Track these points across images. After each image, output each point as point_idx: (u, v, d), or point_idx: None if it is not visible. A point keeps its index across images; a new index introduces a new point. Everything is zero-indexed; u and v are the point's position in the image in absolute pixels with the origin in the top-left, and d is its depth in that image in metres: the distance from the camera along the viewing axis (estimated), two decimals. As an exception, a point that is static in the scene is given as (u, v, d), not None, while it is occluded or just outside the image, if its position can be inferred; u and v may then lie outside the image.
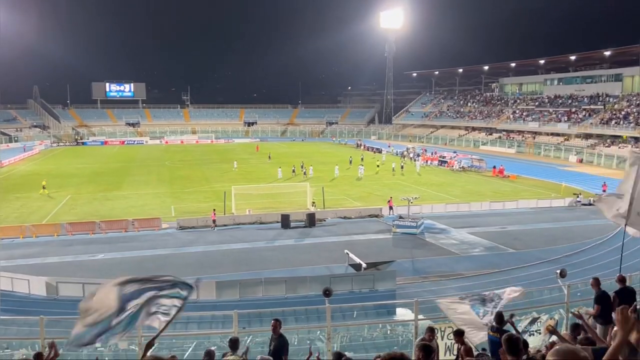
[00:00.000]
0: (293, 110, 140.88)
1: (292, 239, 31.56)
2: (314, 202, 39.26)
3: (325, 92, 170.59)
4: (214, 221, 34.04)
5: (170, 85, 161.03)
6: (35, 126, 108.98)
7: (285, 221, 34.00)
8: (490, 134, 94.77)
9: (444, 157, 68.93)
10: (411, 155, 72.96)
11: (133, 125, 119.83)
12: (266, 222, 35.26)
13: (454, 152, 74.79)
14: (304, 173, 56.72)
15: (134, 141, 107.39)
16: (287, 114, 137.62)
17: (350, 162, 66.55)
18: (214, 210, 34.73)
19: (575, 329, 9.30)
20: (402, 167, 62.08)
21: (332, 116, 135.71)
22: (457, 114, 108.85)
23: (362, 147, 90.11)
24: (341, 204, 41.31)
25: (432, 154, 72.96)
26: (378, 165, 61.23)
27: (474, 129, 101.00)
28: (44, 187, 45.92)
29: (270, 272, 24.81)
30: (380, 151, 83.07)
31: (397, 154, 77.33)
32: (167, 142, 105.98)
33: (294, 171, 57.35)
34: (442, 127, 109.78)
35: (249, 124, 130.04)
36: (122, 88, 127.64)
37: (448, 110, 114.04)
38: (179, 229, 33.57)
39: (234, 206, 37.54)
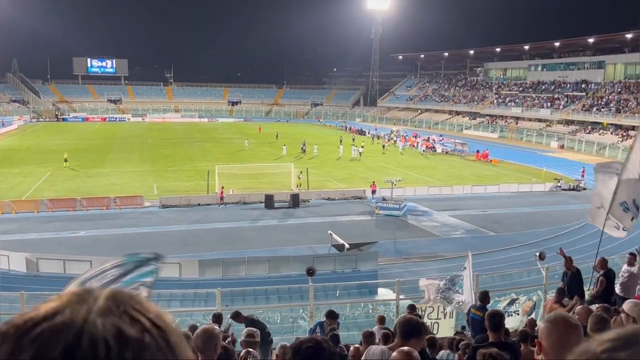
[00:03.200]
0: (278, 90, 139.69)
1: (276, 219, 31.57)
2: (299, 181, 39.30)
3: (311, 73, 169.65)
4: (221, 198, 34.28)
5: (154, 62, 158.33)
6: (15, 101, 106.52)
7: (269, 201, 33.98)
8: (474, 119, 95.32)
9: (429, 140, 69.29)
10: (395, 138, 73.30)
11: (115, 102, 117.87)
12: (250, 202, 35.23)
13: (440, 136, 75.24)
14: (303, 151, 58.58)
15: (116, 118, 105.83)
16: (271, 94, 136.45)
17: (341, 141, 67.68)
18: (222, 187, 34.77)
19: (560, 293, 9.57)
20: (383, 147, 65.02)
21: (317, 97, 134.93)
22: (442, 98, 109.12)
23: (349, 130, 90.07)
24: (325, 185, 41.36)
25: (415, 137, 73.21)
26: (363, 146, 61.65)
27: (458, 113, 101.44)
28: (65, 160, 46.64)
29: (253, 251, 24.85)
30: (363, 133, 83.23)
31: (381, 136, 77.67)
32: (147, 120, 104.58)
33: (303, 150, 58.85)
34: (427, 110, 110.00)
35: (233, 104, 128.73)
36: (104, 64, 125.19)
37: (433, 94, 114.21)
38: (162, 207, 33.39)
39: (217, 186, 37.39)
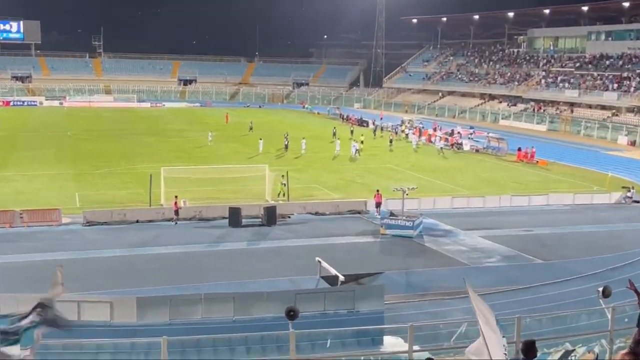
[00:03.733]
0: (247, 65, 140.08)
1: (244, 242, 31.55)
2: (282, 189, 39.57)
3: (293, 42, 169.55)
4: (176, 212, 34.26)
5: (76, 26, 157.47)
6: None
7: (234, 217, 33.95)
8: (514, 105, 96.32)
9: (451, 133, 69.81)
10: (407, 131, 73.81)
11: (22, 79, 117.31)
12: (209, 217, 35.19)
13: (472, 129, 75.80)
14: (286, 147, 59.94)
15: (23, 102, 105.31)
16: (239, 69, 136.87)
17: (334, 134, 68.60)
18: (176, 197, 34.74)
19: (637, 344, 9.55)
20: (390, 142, 66.00)
21: (302, 75, 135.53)
22: (471, 77, 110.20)
23: (345, 120, 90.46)
24: (312, 194, 41.46)
25: (435, 129, 73.72)
26: (362, 141, 62.05)
27: (492, 97, 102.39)
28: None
29: (213, 285, 24.76)
30: (365, 124, 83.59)
31: (386, 128, 78.19)
32: (67, 105, 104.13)
33: (286, 146, 60.16)
34: (450, 93, 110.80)
35: (186, 83, 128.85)
36: (6, 27, 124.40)
37: (458, 71, 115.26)
38: (86, 225, 33.23)
39: (163, 196, 37.27)
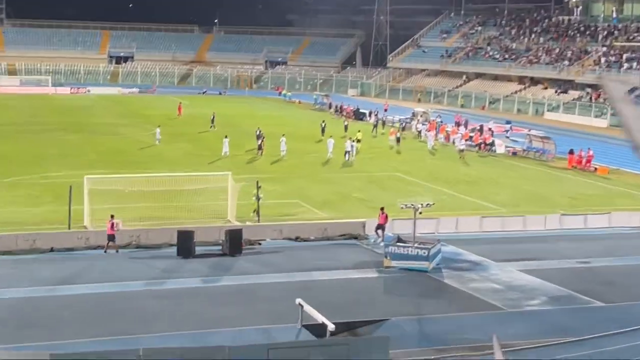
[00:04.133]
0: (204, 37, 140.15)
1: (199, 278, 31.32)
2: (255, 205, 39.62)
3: (265, 5, 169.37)
4: (111, 237, 33.89)
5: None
6: None
7: (185, 244, 33.72)
8: (564, 92, 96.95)
9: (479, 130, 70.06)
10: (419, 126, 73.97)
11: None
12: (150, 244, 35.02)
13: (509, 124, 76.00)
14: (260, 149, 60.01)
15: None
16: (191, 43, 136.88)
17: (323, 130, 69.44)
18: (112, 216, 34.39)
19: None
20: (398, 140, 66.79)
21: (277, 51, 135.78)
22: (507, 54, 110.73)
23: (338, 111, 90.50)
24: (292, 212, 41.43)
25: (458, 125, 73.95)
26: (358, 139, 62.13)
27: (535, 81, 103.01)
28: None
29: (155, 338, 24.55)
30: (361, 117, 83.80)
31: (388, 123, 78.37)
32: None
33: (260, 147, 60.06)
34: (479, 76, 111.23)
35: (119, 60, 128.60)
36: None
37: (489, 46, 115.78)
38: (-18, 255, 32.84)
39: (86, 215, 36.98)
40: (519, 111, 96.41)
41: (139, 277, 31.21)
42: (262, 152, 59.54)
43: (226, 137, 59.72)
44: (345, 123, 75.63)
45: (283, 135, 60.69)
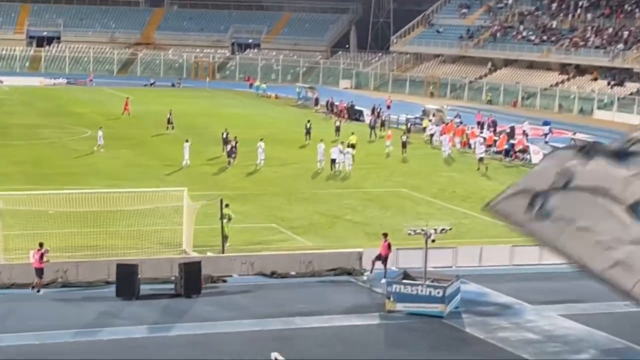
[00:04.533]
0: (151, 12, 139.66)
1: (144, 326, 31.16)
2: (229, 229, 39.64)
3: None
4: (40, 272, 33.66)
5: None
6: None
7: (127, 281, 33.54)
8: (619, 84, 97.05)
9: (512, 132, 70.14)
10: (432, 128, 73.91)
11: None
12: (80, 282, 34.82)
13: (548, 125, 76.07)
14: (230, 156, 59.98)
15: None
16: (135, 20, 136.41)
17: (308, 133, 69.75)
18: (41, 245, 34.14)
19: None
20: (404, 145, 66.39)
21: (247, 30, 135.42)
22: (545, 35, 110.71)
23: (328, 110, 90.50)
24: (266, 240, 41.38)
25: (480, 126, 74.05)
26: (352, 145, 62.10)
27: (581, 70, 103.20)
28: None
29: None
30: (356, 116, 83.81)
31: (384, 123, 78.67)
32: None
33: (231, 154, 60.05)
34: (508, 64, 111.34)
35: (41, 42, 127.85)
36: None
37: (522, 24, 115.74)
38: None
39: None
40: (560, 108, 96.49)
41: (67, 325, 30.91)
42: (232, 161, 59.62)
43: (187, 141, 59.47)
44: (337, 124, 75.34)
45: (261, 139, 60.69)
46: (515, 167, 63.61)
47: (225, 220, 39.84)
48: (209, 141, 64.03)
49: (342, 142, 62.02)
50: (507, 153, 65.97)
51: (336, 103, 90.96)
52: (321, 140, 62.51)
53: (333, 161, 58.47)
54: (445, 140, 68.09)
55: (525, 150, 66.01)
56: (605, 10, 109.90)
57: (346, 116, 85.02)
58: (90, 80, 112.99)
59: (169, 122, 73.67)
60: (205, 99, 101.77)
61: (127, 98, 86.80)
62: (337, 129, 72.76)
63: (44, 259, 33.85)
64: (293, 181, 55.98)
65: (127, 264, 34.30)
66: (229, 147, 60.62)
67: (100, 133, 64.18)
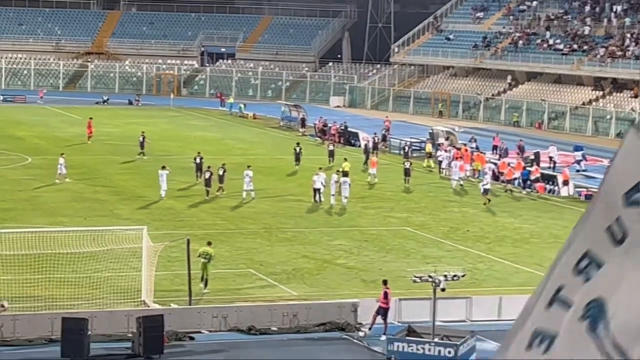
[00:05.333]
0: (104, 15, 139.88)
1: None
2: (204, 271, 39.47)
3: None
4: None
5: None
6: None
7: (75, 339, 33.43)
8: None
9: (532, 160, 70.32)
10: (441, 154, 74.00)
11: None
12: (18, 340, 34.59)
13: (580, 151, 76.29)
14: (207, 183, 60.69)
15: None
16: (86, 25, 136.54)
17: (298, 158, 70.31)
18: None
19: None
20: (407, 173, 66.80)
21: (220, 36, 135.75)
22: (575, 42, 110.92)
23: (317, 133, 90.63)
24: (242, 288, 41.39)
25: (500, 151, 74.28)
26: (343, 170, 62.17)
27: (619, 85, 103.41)
28: None
29: None
30: (352, 140, 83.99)
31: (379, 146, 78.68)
32: None
33: (210, 181, 60.60)
34: (533, 77, 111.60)
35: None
36: None
37: (548, 30, 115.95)
38: None
39: None
40: (595, 131, 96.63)
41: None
42: (211, 191, 60.11)
43: (164, 168, 59.88)
44: (331, 147, 75.57)
45: (249, 167, 61.03)
46: (539, 201, 63.62)
47: (205, 261, 40.13)
48: (173, 170, 63.88)
49: (338, 171, 62.44)
50: (525, 184, 66.19)
51: (329, 124, 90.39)
52: (320, 169, 62.53)
53: (316, 191, 58.74)
54: (456, 166, 68.01)
55: (552, 181, 66.15)
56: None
57: (339, 140, 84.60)
58: (41, 98, 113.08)
59: (141, 146, 73.98)
60: (168, 119, 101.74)
61: (90, 119, 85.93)
62: (331, 154, 73.15)
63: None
64: (273, 218, 55.84)
65: (75, 318, 34.15)
66: (207, 174, 60.72)
67: (61, 160, 63.99)
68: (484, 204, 61.18)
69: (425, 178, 69.43)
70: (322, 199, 58.71)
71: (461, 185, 66.36)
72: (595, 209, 8.08)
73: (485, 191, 62.04)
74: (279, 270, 44.57)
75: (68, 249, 42.35)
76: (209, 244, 40.92)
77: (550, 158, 71.51)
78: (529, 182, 66.52)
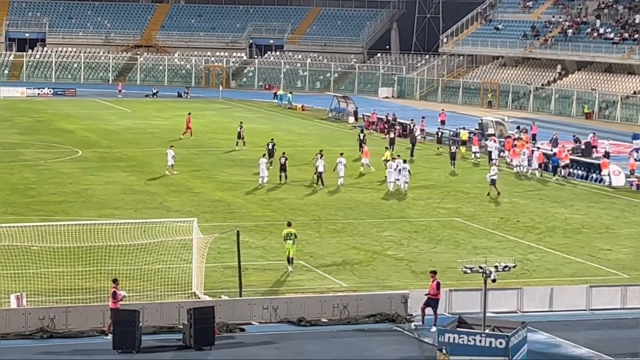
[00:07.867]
0: (154, 8, 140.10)
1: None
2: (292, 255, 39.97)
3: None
4: (115, 314, 33.75)
5: None
6: None
7: (126, 330, 33.44)
8: None
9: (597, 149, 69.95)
10: (489, 144, 73.83)
11: None
12: (70, 332, 34.60)
13: (635, 138, 75.77)
14: (319, 178, 62.33)
15: None
16: (134, 18, 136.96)
17: (361, 145, 71.83)
18: (116, 282, 34.72)
19: None
20: (453, 162, 69.22)
21: (268, 28, 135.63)
22: (626, 31, 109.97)
23: (371, 126, 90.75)
24: (292, 280, 41.35)
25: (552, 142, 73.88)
26: (392, 158, 62.33)
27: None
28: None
29: None
30: (410, 132, 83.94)
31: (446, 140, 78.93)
32: None
33: (318, 180, 62.45)
34: (583, 67, 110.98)
35: (22, 45, 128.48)
36: None
37: (599, 19, 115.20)
38: None
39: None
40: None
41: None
42: (284, 177, 62.15)
43: (264, 156, 62.29)
44: (392, 135, 77.52)
45: (341, 154, 63.28)
46: (591, 192, 63.23)
47: (290, 242, 41.12)
48: (222, 162, 63.87)
49: (393, 158, 63.65)
50: (555, 170, 66.37)
51: (390, 117, 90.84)
52: (398, 156, 63.96)
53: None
54: (514, 157, 69.52)
55: (600, 170, 65.74)
56: None
57: (399, 132, 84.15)
58: (120, 91, 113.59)
59: (239, 136, 75.41)
60: (217, 111, 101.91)
61: (189, 114, 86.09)
62: (392, 142, 74.32)
63: (119, 298, 34.21)
64: (322, 209, 56.08)
65: (126, 310, 34.05)
66: (282, 160, 62.06)
67: (171, 152, 64.80)
68: (490, 194, 61.71)
69: (474, 169, 69.19)
70: (405, 188, 60.20)
71: (540, 175, 66.79)
72: None
73: (492, 182, 62.20)
74: (328, 262, 44.61)
75: (119, 241, 42.37)
76: (289, 224, 41.79)
77: (604, 148, 71.10)
78: (559, 169, 66.53)
